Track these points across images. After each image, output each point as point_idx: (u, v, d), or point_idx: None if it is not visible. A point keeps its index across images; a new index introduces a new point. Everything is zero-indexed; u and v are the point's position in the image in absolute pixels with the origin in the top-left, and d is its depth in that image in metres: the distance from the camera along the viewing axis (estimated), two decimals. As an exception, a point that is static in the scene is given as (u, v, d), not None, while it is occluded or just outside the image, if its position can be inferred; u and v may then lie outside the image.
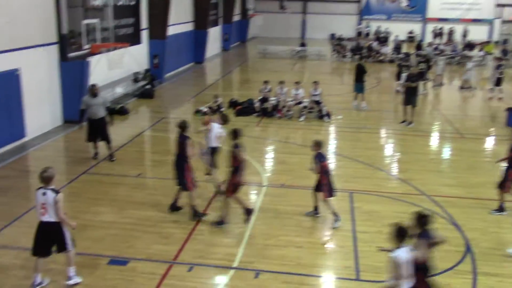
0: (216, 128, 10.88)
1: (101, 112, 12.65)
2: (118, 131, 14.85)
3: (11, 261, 7.66)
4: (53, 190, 7.11)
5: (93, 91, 12.63)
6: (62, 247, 7.24)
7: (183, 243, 8.71)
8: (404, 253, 5.78)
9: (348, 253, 8.49)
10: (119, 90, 20.07)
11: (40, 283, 7.26)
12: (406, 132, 16.35)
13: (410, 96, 16.99)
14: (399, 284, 5.78)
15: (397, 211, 10.26)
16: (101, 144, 13.00)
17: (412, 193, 11.18)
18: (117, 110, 17.61)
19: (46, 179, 7.10)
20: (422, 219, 6.15)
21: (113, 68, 17.40)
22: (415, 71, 17.21)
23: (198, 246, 8.66)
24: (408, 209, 10.23)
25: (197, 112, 17.95)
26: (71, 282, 7.39)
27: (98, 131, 12.80)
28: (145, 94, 20.68)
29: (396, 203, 10.67)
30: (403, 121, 17.15)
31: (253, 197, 10.92)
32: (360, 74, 19.47)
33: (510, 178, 9.92)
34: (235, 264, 8.08)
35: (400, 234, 5.87)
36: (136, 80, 21.70)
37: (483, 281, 7.76)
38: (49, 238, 7.20)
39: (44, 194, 7.08)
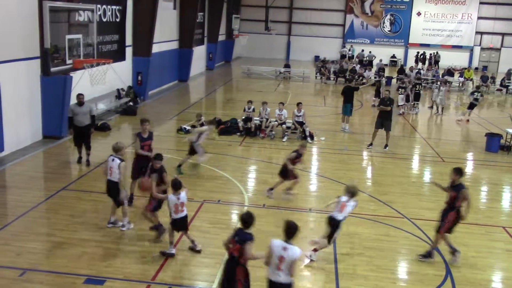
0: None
1: (87, 121, 13.45)
2: (100, 147, 14.68)
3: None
4: (119, 158, 9.52)
5: (80, 100, 13.45)
6: (117, 202, 9.73)
7: (162, 262, 8.56)
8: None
9: (329, 275, 8.42)
10: (102, 106, 19.90)
11: (112, 223, 9.88)
12: (386, 155, 16.45)
13: (383, 120, 17.05)
14: None
15: (378, 233, 10.26)
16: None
17: (393, 216, 11.20)
18: (99, 126, 17.45)
19: (116, 149, 9.60)
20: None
21: (96, 84, 17.26)
22: (387, 95, 17.38)
23: (178, 266, 8.52)
24: (389, 232, 10.28)
25: (180, 130, 17.90)
26: (125, 228, 9.76)
27: (83, 138, 13.54)
28: (128, 111, 20.53)
29: (377, 225, 10.66)
30: (370, 144, 17.18)
31: (234, 216, 10.83)
32: (349, 95, 19.62)
33: (447, 220, 9.06)
34: (214, 285, 7.94)
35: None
36: (119, 97, 21.58)
37: (463, 305, 7.75)
38: (110, 194, 9.73)
39: (113, 160, 9.53)
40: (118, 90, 21.64)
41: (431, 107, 25.76)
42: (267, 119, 18.04)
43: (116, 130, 18.15)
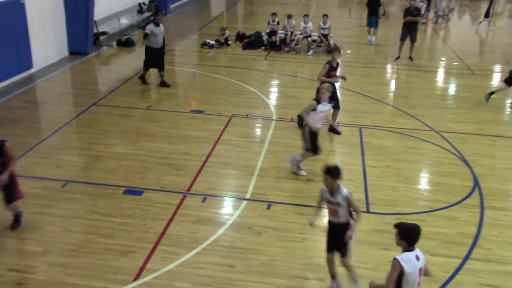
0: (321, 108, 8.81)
1: (162, 42, 13.20)
2: (126, 63, 14.74)
3: (28, 190, 7.80)
4: None
5: (158, 20, 13.09)
6: None
7: (195, 174, 8.85)
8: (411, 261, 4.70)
9: (358, 187, 8.63)
10: (124, 21, 19.68)
11: None
12: (413, 68, 16.17)
13: (409, 31, 16.53)
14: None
15: (406, 146, 10.35)
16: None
17: (422, 129, 11.21)
18: (123, 42, 17.37)
19: None
20: None
21: (118, -2, 17.07)
22: (414, 5, 16.74)
23: (211, 178, 8.80)
24: (417, 145, 10.36)
25: (204, 44, 17.71)
26: None
27: (159, 59, 13.24)
28: (150, 26, 20.26)
29: (405, 138, 10.73)
30: (398, 57, 16.82)
31: (262, 130, 10.97)
32: (373, 8, 19.04)
33: None
34: (247, 196, 8.24)
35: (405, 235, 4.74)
36: (141, 11, 21.23)
37: (490, 214, 7.93)
38: None
39: None
40: (139, 4, 21.25)
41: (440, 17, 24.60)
42: (292, 32, 17.68)
43: (140, 45, 18.01)
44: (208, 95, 12.93)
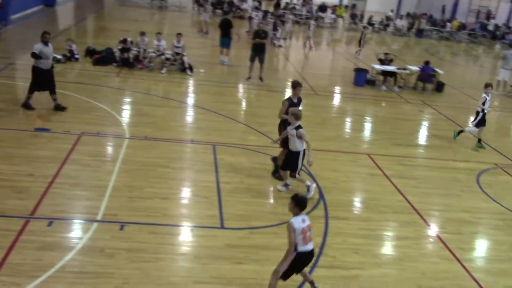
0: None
1: (51, 62, 12.32)
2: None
3: None
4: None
5: (46, 39, 11.92)
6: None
7: (40, 197, 8.23)
8: (299, 222, 5.98)
9: (212, 203, 8.73)
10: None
11: None
12: (263, 87, 16.94)
13: (257, 53, 17.40)
14: (290, 250, 6.00)
15: (258, 162, 10.74)
16: None
17: (271, 146, 11.71)
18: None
19: None
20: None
21: None
22: (263, 27, 17.71)
23: (58, 200, 8.24)
24: (267, 161, 10.79)
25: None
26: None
27: (48, 80, 12.20)
28: (-13, 37, 18.61)
29: (256, 155, 11.13)
30: (249, 78, 17.59)
31: (114, 149, 10.61)
32: (227, 29, 19.60)
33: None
34: (98, 217, 7.86)
35: (299, 204, 6.02)
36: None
37: (333, 224, 8.53)
38: None
39: None
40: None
41: (305, 44, 26.68)
42: (145, 50, 17.47)
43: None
44: (55, 113, 12.17)
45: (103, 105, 13.07)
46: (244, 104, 15.75)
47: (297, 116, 8.99)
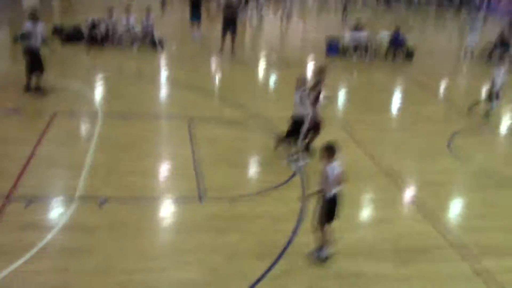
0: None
1: (40, 41, 11.75)
2: None
3: None
4: None
5: (34, 17, 11.48)
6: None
7: (16, 178, 8.13)
8: (337, 167, 6.39)
9: (191, 176, 8.76)
10: None
11: None
12: (236, 61, 16.89)
13: (229, 25, 17.28)
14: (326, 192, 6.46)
15: (235, 135, 10.78)
16: None
17: (247, 117, 11.77)
18: None
19: None
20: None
21: None
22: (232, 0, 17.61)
23: (34, 180, 8.16)
24: (245, 134, 10.85)
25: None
26: None
27: (39, 60, 11.73)
28: None
29: (233, 127, 11.16)
30: (221, 50, 17.47)
31: (89, 126, 10.50)
32: (197, 2, 19.35)
33: None
34: (77, 195, 7.82)
35: (334, 151, 6.36)
36: None
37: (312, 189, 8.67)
38: None
39: None
40: None
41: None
42: (113, 27, 17.16)
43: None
44: (26, 93, 11.93)
45: (75, 83, 12.86)
46: (217, 77, 15.69)
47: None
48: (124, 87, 13.07)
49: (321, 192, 6.56)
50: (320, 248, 6.77)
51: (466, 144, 11.57)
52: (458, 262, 7.15)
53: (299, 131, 9.48)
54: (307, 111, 9.37)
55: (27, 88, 11.83)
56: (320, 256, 6.75)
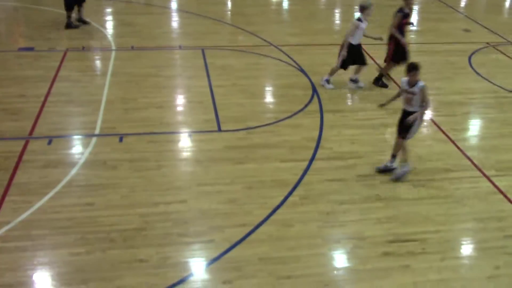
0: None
1: None
2: None
3: None
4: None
5: None
6: None
7: (36, 117, 8.25)
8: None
9: (207, 107, 8.77)
10: None
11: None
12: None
13: None
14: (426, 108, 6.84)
15: (248, 63, 10.65)
16: None
17: (261, 44, 11.57)
18: None
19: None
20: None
21: None
22: None
23: (54, 118, 8.27)
24: (258, 61, 10.71)
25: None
26: None
27: None
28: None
29: (246, 55, 11.00)
30: None
31: (102, 62, 10.46)
32: None
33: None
34: (96, 131, 7.94)
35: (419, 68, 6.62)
36: None
37: (328, 117, 8.63)
38: None
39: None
40: None
41: None
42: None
43: None
44: (36, 30, 11.83)
45: (84, 18, 12.65)
46: (229, 3, 15.27)
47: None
48: (134, 18, 12.84)
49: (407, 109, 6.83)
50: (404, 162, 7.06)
51: (487, 60, 11.25)
52: (477, 180, 7.18)
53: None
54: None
55: (70, 26, 11.89)
56: (398, 176, 7.06)
